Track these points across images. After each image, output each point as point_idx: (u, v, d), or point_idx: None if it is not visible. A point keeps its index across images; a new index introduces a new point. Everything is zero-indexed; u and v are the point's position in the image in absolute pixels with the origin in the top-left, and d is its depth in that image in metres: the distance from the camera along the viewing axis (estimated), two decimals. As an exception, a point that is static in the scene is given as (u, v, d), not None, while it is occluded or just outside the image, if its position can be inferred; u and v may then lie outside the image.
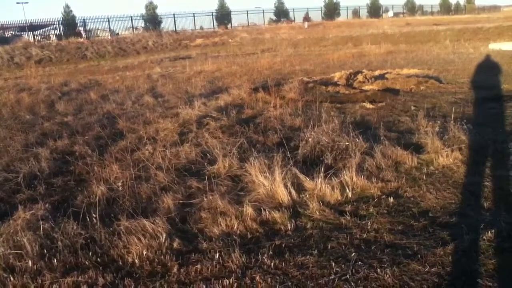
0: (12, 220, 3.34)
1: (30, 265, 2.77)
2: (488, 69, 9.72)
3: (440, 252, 2.66)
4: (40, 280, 2.62)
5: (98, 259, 2.84)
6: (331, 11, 49.92)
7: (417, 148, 4.47)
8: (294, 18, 46.97)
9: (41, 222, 3.20)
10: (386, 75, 9.10)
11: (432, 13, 55.53)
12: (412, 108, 6.38)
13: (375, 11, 52.75)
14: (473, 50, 13.53)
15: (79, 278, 2.62)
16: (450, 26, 25.52)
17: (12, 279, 2.63)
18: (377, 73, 9.48)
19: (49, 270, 2.71)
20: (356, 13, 53.33)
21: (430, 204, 3.35)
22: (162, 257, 2.81)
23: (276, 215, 3.24)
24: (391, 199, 3.42)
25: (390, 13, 54.11)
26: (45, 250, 2.92)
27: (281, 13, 47.65)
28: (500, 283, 2.36)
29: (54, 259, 2.81)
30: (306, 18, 43.79)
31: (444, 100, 6.83)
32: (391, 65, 11.01)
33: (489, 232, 2.81)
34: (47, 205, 3.67)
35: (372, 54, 14.45)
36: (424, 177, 3.84)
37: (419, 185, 3.68)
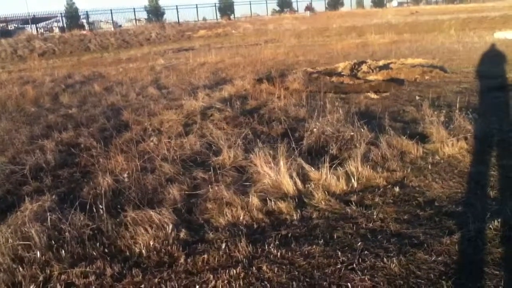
0: (20, 212, 3.36)
1: (38, 256, 2.79)
2: (493, 58, 9.64)
3: (447, 241, 2.67)
4: (48, 271, 2.65)
5: (106, 250, 2.86)
6: (335, 1, 49.55)
7: (423, 138, 4.46)
8: (297, 8, 46.77)
9: (48, 214, 3.21)
10: (391, 65, 9.06)
11: (437, 2, 55.05)
12: (417, 98, 6.34)
13: (379, 1, 52.33)
14: (478, 39, 13.41)
15: (87, 269, 2.64)
16: (455, 15, 25.27)
17: (21, 269, 2.66)
18: (381, 63, 9.44)
19: (57, 261, 2.73)
20: (360, 3, 52.93)
21: (436, 193, 3.35)
22: (169, 247, 2.82)
23: (282, 205, 3.25)
24: (396, 189, 3.42)
25: (394, 3, 53.69)
26: (53, 241, 2.93)
27: (284, 4, 47.39)
28: (507, 272, 2.36)
29: (62, 250, 2.83)
30: (308, 7, 43.55)
31: (449, 89, 6.80)
32: (395, 55, 10.94)
33: (495, 221, 2.81)
34: (53, 197, 3.69)
35: (376, 44, 14.35)
36: (430, 166, 3.84)
37: (424, 175, 3.68)
